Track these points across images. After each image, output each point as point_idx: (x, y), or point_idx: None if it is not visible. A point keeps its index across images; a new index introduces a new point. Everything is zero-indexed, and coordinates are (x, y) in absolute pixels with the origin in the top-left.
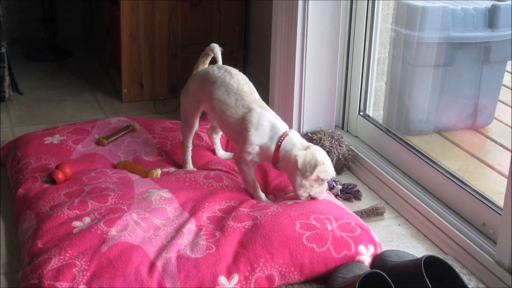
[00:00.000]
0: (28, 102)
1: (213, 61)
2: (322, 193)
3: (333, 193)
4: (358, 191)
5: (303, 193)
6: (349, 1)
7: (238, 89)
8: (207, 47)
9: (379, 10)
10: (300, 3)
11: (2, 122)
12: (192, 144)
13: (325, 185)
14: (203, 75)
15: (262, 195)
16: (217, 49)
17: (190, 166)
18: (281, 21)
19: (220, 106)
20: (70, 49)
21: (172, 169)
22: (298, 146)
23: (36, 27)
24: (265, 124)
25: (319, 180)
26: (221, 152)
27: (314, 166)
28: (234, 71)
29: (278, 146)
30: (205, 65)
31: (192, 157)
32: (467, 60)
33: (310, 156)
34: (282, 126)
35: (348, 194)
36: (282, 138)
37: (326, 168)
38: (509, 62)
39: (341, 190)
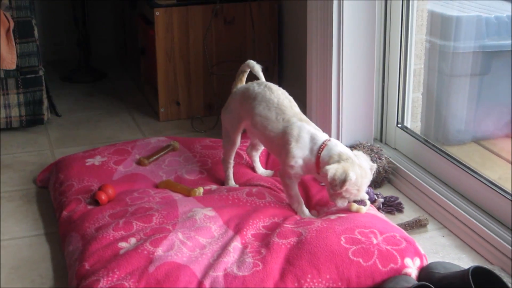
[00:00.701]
0: (66, 124)
1: (250, 77)
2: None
3: (375, 206)
4: (400, 203)
5: (339, 204)
6: (383, 15)
7: (278, 103)
8: (243, 64)
9: (413, 21)
10: (335, 18)
11: (42, 144)
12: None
13: (362, 195)
14: (243, 91)
15: (306, 210)
16: (256, 67)
17: (232, 182)
18: (316, 36)
19: (261, 122)
20: (105, 70)
21: (214, 186)
22: (334, 158)
23: (71, 49)
24: (305, 136)
25: (352, 193)
26: (261, 170)
27: (343, 182)
28: (274, 87)
29: (318, 157)
30: (242, 82)
31: (234, 174)
32: (503, 68)
33: (341, 170)
34: (322, 136)
35: (390, 207)
36: (321, 149)
37: (356, 184)
38: None
39: (383, 203)
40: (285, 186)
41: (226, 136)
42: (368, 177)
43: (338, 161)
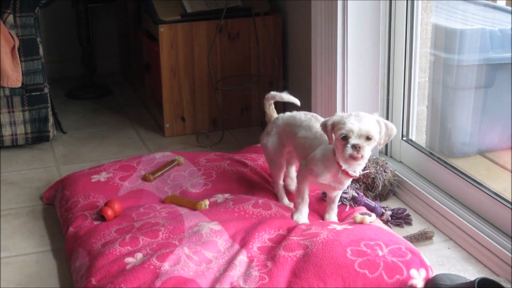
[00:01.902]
0: (72, 140)
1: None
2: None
3: (383, 220)
4: (408, 215)
5: (347, 151)
6: (387, 29)
7: (319, 127)
8: (266, 96)
9: (417, 35)
10: (339, 31)
11: (47, 161)
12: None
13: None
14: (288, 119)
15: (304, 212)
16: (279, 95)
17: (286, 201)
18: (321, 50)
19: (302, 143)
20: (110, 86)
21: (220, 196)
22: None
23: (75, 66)
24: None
25: (339, 134)
26: (286, 202)
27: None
28: (320, 117)
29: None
30: (274, 112)
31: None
32: (508, 80)
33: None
34: None
35: (399, 219)
36: None
37: (341, 122)
38: None
39: (391, 216)
40: (298, 179)
41: (271, 161)
42: (365, 120)
43: None
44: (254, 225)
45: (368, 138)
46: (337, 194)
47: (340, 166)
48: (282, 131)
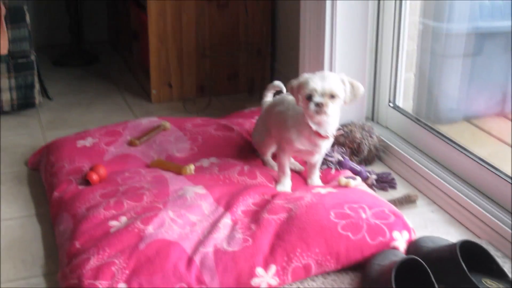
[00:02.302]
0: (58, 107)
1: None
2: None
3: (368, 183)
4: (393, 179)
5: (311, 108)
6: None
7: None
8: (269, 85)
9: (406, 3)
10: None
11: (33, 127)
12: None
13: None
14: (269, 103)
15: (287, 184)
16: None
17: (270, 162)
18: (310, 18)
19: (278, 119)
20: (97, 54)
21: (205, 160)
22: None
23: (63, 33)
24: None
25: (304, 93)
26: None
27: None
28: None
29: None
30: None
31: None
32: (496, 49)
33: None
34: None
35: (384, 183)
36: None
37: (306, 82)
38: None
39: (376, 180)
40: (278, 155)
41: (258, 144)
42: (329, 79)
43: None
44: (239, 190)
45: (332, 97)
46: (317, 160)
47: (312, 128)
48: (265, 115)
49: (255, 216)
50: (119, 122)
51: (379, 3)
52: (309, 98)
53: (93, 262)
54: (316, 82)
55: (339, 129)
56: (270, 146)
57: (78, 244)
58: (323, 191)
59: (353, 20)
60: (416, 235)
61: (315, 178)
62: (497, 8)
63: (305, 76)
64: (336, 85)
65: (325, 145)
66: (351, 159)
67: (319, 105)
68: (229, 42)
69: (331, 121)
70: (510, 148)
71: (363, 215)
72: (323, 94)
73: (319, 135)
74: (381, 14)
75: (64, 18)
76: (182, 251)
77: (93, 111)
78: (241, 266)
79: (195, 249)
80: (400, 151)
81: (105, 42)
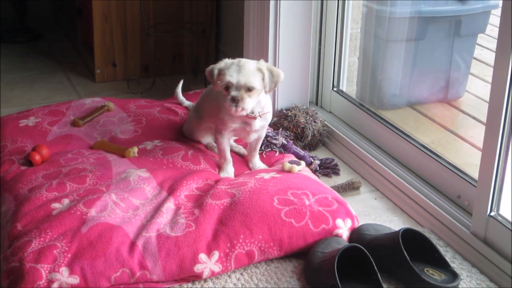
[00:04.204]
0: (0, 85)
1: None
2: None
3: (311, 169)
4: (336, 165)
5: (229, 106)
6: None
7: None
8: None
9: None
10: None
11: None
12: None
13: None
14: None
15: (230, 170)
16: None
17: (213, 145)
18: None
19: (211, 102)
20: (41, 30)
21: (149, 143)
22: None
23: (6, 8)
24: None
25: (222, 83)
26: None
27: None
28: None
29: None
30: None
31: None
32: (439, 34)
33: None
34: None
35: (327, 169)
36: None
37: (223, 71)
38: (480, 35)
39: (319, 166)
40: (217, 140)
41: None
42: (245, 71)
43: None
44: (182, 175)
45: (249, 89)
46: (256, 141)
47: None
48: (200, 102)
49: (199, 201)
50: (63, 102)
51: None
52: (227, 89)
53: (35, 244)
54: (232, 74)
55: (281, 111)
56: (201, 129)
57: (20, 226)
58: (266, 176)
59: (297, 2)
60: (359, 222)
61: (256, 161)
62: None
63: (224, 62)
64: (253, 77)
65: (258, 123)
66: (295, 144)
67: (234, 99)
68: (174, 22)
69: (256, 104)
70: (453, 135)
71: (307, 202)
72: (239, 88)
73: (247, 115)
74: None
75: None
76: (125, 235)
77: (36, 90)
78: (184, 252)
79: (138, 234)
80: (344, 136)
81: (49, 18)
